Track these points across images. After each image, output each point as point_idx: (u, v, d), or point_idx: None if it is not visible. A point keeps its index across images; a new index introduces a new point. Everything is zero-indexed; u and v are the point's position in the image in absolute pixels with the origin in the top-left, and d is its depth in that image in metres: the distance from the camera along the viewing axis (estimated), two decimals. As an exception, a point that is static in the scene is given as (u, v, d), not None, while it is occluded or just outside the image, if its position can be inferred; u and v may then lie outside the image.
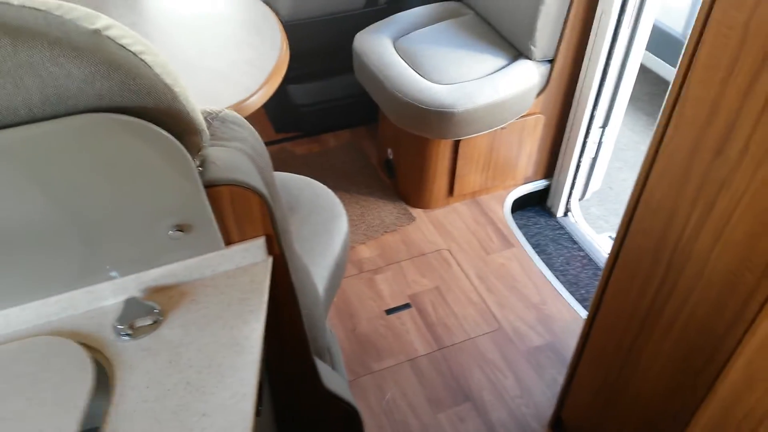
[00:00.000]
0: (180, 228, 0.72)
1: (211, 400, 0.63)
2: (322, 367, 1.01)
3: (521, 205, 2.21)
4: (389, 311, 1.80)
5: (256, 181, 0.73)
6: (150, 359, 0.68)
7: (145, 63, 0.59)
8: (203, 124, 0.70)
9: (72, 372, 0.64)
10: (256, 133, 0.85)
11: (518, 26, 1.84)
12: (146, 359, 0.68)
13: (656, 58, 2.99)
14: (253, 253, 0.78)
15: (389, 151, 2.19)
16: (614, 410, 1.23)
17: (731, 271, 0.86)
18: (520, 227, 2.11)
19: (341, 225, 1.32)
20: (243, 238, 0.78)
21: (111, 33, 0.57)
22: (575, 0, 1.71)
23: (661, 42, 2.93)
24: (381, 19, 2.10)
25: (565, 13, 1.75)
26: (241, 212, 0.76)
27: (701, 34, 0.82)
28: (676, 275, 0.98)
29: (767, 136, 0.75)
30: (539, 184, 2.21)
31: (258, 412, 0.73)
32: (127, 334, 0.71)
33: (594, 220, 2.18)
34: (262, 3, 1.72)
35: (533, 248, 2.02)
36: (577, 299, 1.85)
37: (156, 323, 0.72)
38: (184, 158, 0.66)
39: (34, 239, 0.66)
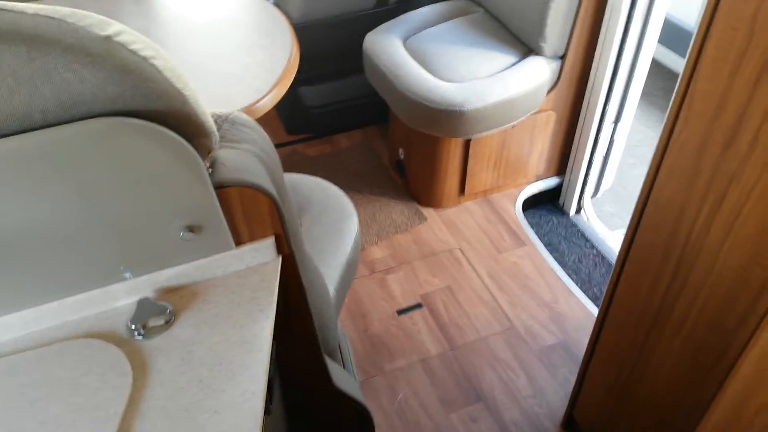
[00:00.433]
0: (191, 229, 0.72)
1: (222, 397, 0.64)
2: (333, 367, 1.02)
3: (533, 203, 2.20)
4: (401, 311, 1.80)
5: (265, 182, 0.74)
6: (162, 358, 0.68)
7: (156, 67, 0.60)
8: (213, 127, 0.71)
9: (111, 376, 0.66)
10: (266, 134, 0.86)
11: (528, 23, 1.83)
12: (159, 358, 0.69)
13: (669, 52, 2.95)
14: (262, 253, 0.79)
15: (400, 150, 2.19)
16: (626, 408, 1.22)
17: (742, 266, 0.85)
18: (532, 225, 2.10)
19: (352, 225, 1.33)
20: (253, 239, 0.79)
21: (122, 39, 0.58)
22: (585, -4, 1.70)
23: (674, 36, 2.89)
24: (391, 19, 2.10)
25: (575, 8, 1.73)
26: (250, 213, 0.77)
27: (709, 27, 0.81)
28: (687, 271, 0.96)
29: (777, 129, 0.74)
30: (551, 182, 2.20)
31: (268, 410, 0.74)
32: (141, 334, 0.72)
33: (608, 218, 2.16)
34: (272, 6, 1.73)
35: (545, 246, 2.01)
36: (589, 297, 1.83)
37: (168, 323, 0.73)
38: (195, 160, 0.67)
39: (48, 242, 0.67)
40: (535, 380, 1.60)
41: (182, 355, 0.68)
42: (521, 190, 2.17)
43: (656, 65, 2.94)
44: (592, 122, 1.93)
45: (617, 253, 1.12)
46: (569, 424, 1.47)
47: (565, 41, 1.82)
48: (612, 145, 2.01)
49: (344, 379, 1.06)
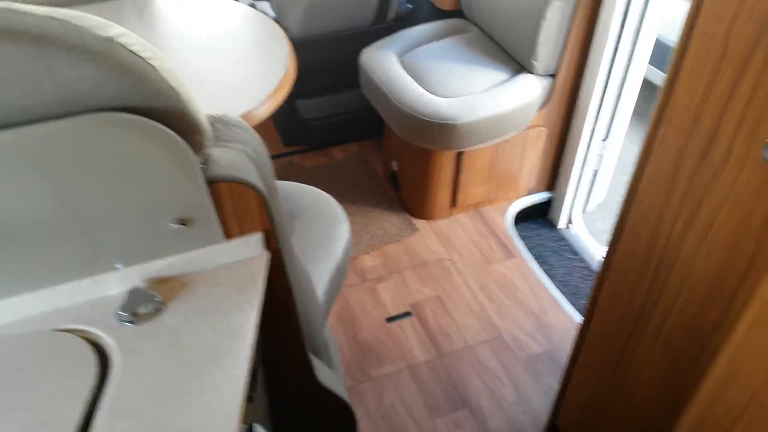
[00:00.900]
0: (183, 222, 0.75)
1: (206, 380, 0.66)
2: (317, 364, 1.04)
3: (524, 217, 2.24)
4: (390, 319, 1.82)
5: (255, 179, 0.77)
6: (151, 343, 0.71)
7: (154, 67, 0.64)
8: (206, 125, 0.74)
9: (76, 365, 0.68)
10: (258, 136, 0.90)
11: (520, 41, 1.89)
12: (147, 344, 0.71)
13: (663, 74, 3.02)
14: (251, 248, 0.82)
15: (394, 163, 2.23)
16: (608, 414, 1.24)
17: (716, 273, 0.89)
18: (522, 238, 2.13)
19: (343, 231, 1.36)
20: (242, 233, 0.82)
21: (123, 40, 0.62)
22: (577, 15, 1.76)
23: (667, 57, 2.96)
24: (387, 36, 2.16)
25: (567, 28, 1.79)
26: (240, 208, 0.80)
27: (686, 43, 0.86)
28: (665, 277, 1.00)
29: (748, 141, 0.78)
30: (542, 196, 2.24)
31: (251, 398, 0.76)
32: (130, 321, 0.74)
33: (598, 233, 2.20)
34: (272, 21, 1.78)
35: (535, 259, 2.04)
36: (576, 309, 1.87)
37: (157, 311, 0.76)
38: (188, 156, 0.70)
39: (43, 231, 0.70)
40: (520, 388, 1.63)
41: (170, 341, 0.71)
42: (512, 204, 2.22)
43: (650, 87, 3.01)
44: (581, 139, 1.98)
45: (603, 263, 1.15)
46: (552, 430, 1.49)
47: (556, 59, 1.87)
48: (602, 161, 2.06)
49: (329, 376, 1.09)
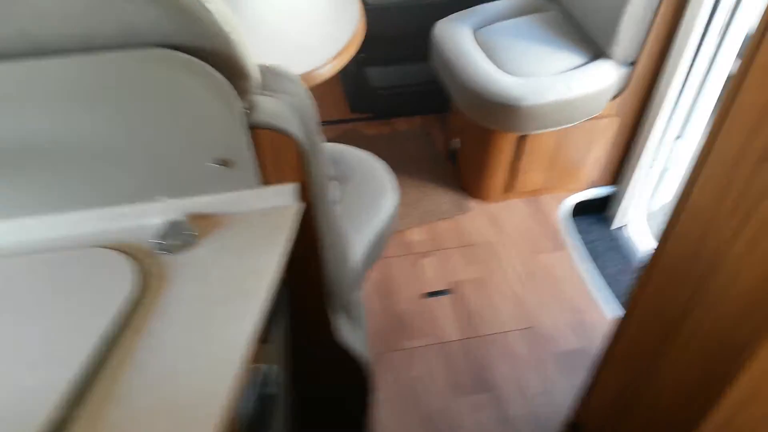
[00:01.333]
0: (223, 162, 0.79)
1: (223, 313, 0.70)
2: (340, 321, 1.06)
3: (581, 211, 2.16)
4: (429, 294, 1.82)
5: (297, 131, 0.79)
6: (179, 273, 0.75)
7: (208, 10, 0.66)
8: (254, 72, 0.76)
9: (115, 281, 0.73)
10: (306, 90, 0.91)
11: (601, 25, 1.80)
12: (176, 273, 0.75)
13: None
14: (285, 196, 0.84)
15: (456, 140, 2.21)
16: (631, 416, 1.20)
17: (758, 287, 0.83)
18: (576, 232, 2.07)
19: (390, 201, 1.37)
20: (279, 182, 0.84)
21: None
22: (663, 3, 1.65)
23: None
24: (464, 9, 2.11)
25: (652, 15, 1.69)
26: (279, 157, 0.82)
27: (763, 35, 0.79)
28: (708, 283, 0.95)
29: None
30: (603, 191, 2.15)
31: (266, 338, 0.79)
32: (165, 250, 0.79)
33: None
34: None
35: (585, 255, 1.98)
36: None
37: (191, 245, 0.80)
38: (232, 99, 0.72)
39: (91, 153, 0.75)
40: (548, 381, 1.60)
41: (197, 273, 0.75)
42: (571, 195, 2.14)
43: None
44: (652, 135, 1.88)
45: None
46: (573, 426, 1.46)
47: (638, 48, 1.77)
48: (673, 160, 1.95)
49: (351, 335, 1.11)
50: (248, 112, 0.77)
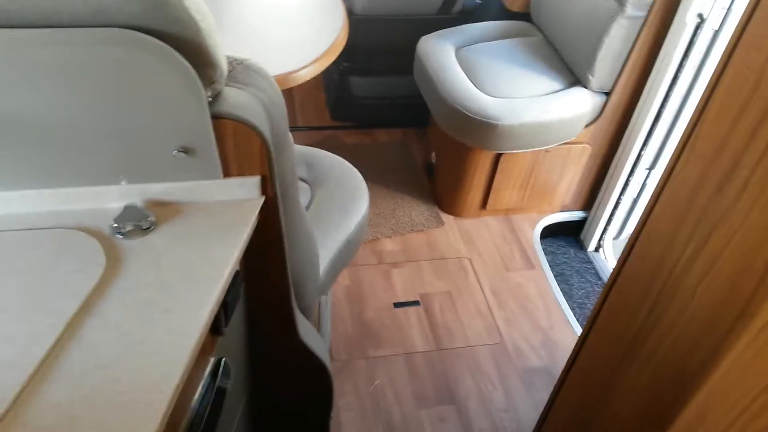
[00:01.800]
0: (185, 150, 0.79)
1: (176, 300, 0.70)
2: (302, 322, 1.07)
3: (553, 233, 2.20)
4: (397, 304, 1.84)
5: (261, 124, 0.80)
6: (135, 258, 0.75)
7: None
8: (220, 61, 0.76)
9: (86, 264, 0.73)
10: (277, 86, 0.91)
11: (580, 54, 1.86)
12: (132, 257, 0.75)
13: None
14: (247, 189, 0.84)
15: (433, 154, 2.24)
16: (586, 435, 1.23)
17: (712, 311, 0.86)
18: (547, 253, 2.11)
19: (361, 207, 1.38)
20: (241, 174, 0.85)
21: None
22: (642, 36, 1.71)
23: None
24: (451, 27, 2.16)
25: (629, 48, 1.75)
26: (241, 149, 0.82)
27: (723, 71, 0.83)
28: (664, 307, 0.98)
29: (763, 180, 0.76)
30: (575, 215, 2.20)
31: (219, 330, 0.80)
32: (121, 233, 0.79)
33: (624, 262, 2.15)
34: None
35: (555, 276, 2.02)
36: (586, 332, 1.83)
37: (147, 230, 0.80)
38: (196, 86, 0.72)
39: (53, 132, 0.74)
40: (512, 397, 1.62)
41: (152, 259, 0.75)
42: (544, 217, 2.19)
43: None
44: (625, 165, 1.93)
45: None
46: (533, 443, 1.48)
47: (613, 78, 1.83)
48: (643, 190, 2.01)
49: (312, 336, 1.11)
50: (212, 100, 0.78)
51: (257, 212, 0.83)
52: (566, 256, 2.14)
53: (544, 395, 1.63)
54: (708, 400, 0.77)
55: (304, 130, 2.51)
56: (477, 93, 1.84)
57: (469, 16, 2.30)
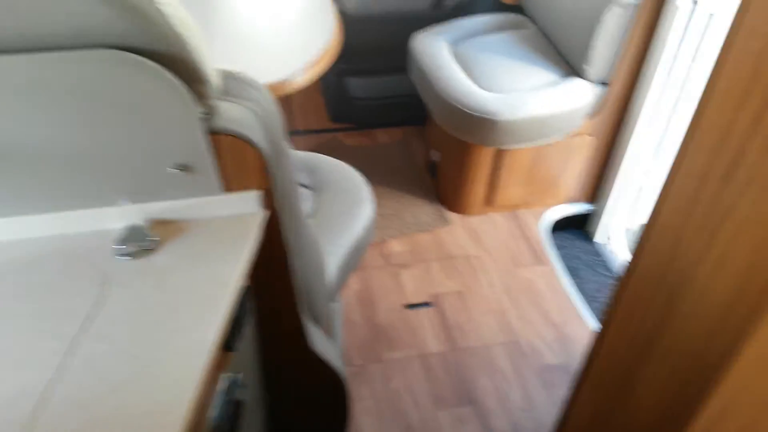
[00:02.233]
0: (183, 168, 0.78)
1: (183, 320, 0.70)
2: (314, 331, 1.07)
3: (561, 226, 2.19)
4: (409, 306, 1.83)
5: (258, 137, 0.79)
6: (139, 279, 0.75)
7: (161, 12, 0.66)
8: (210, 76, 0.76)
9: (81, 286, 0.73)
10: (271, 97, 0.90)
11: (575, 44, 1.84)
12: (136, 278, 0.75)
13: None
14: (248, 204, 0.84)
15: (435, 153, 2.23)
16: None
17: (728, 302, 0.85)
18: (556, 247, 2.09)
19: (365, 210, 1.37)
20: (241, 189, 0.84)
21: None
22: (636, 24, 1.69)
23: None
24: (445, 21, 2.14)
25: (624, 36, 1.73)
26: (239, 163, 0.82)
27: (724, 59, 0.82)
28: (678, 301, 0.97)
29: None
30: (582, 207, 2.18)
31: (229, 348, 0.79)
32: (125, 255, 0.78)
33: (634, 250, 2.13)
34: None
35: (565, 270, 2.00)
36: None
37: (151, 250, 0.80)
38: (188, 103, 0.72)
39: (49, 158, 0.74)
40: (530, 395, 1.61)
41: (157, 279, 0.75)
42: (550, 210, 2.17)
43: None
44: (626, 154, 1.91)
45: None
46: (554, 441, 1.47)
47: (611, 68, 1.81)
48: (649, 179, 1.99)
49: (324, 344, 1.11)
50: (207, 117, 0.77)
51: (259, 226, 0.83)
52: (575, 249, 2.12)
53: (562, 392, 1.62)
54: (731, 392, 0.76)
55: (305, 134, 2.51)
56: (474, 89, 1.83)
57: (463, 10, 2.28)
